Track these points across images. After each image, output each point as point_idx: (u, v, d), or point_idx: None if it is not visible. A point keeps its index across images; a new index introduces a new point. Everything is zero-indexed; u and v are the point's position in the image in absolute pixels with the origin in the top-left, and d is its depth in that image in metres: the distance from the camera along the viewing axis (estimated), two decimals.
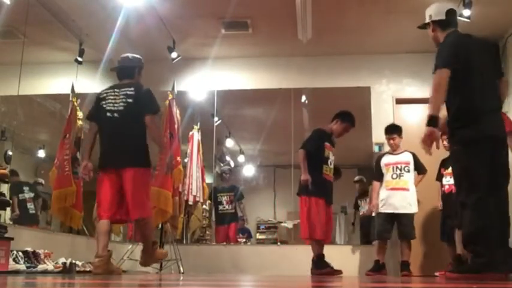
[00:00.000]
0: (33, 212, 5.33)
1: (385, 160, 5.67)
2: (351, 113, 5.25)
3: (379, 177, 5.66)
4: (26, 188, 5.30)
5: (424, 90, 6.68)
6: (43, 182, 5.60)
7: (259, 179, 9.06)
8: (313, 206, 4.85)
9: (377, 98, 6.79)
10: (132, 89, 4.08)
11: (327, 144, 5.06)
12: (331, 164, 5.05)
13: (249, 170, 9.05)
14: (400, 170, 5.55)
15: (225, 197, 7.36)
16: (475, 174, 3.20)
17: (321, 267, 4.84)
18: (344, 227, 8.18)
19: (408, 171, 5.55)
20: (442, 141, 5.49)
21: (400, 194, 5.48)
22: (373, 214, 5.71)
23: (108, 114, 4.02)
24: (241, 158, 8.80)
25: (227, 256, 6.48)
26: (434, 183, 5.70)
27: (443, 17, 3.50)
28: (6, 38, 4.92)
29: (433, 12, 3.57)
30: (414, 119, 6.82)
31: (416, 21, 6.11)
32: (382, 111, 6.71)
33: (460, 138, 3.28)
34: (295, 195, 5.15)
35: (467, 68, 3.25)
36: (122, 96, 4.06)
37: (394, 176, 5.54)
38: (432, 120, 3.22)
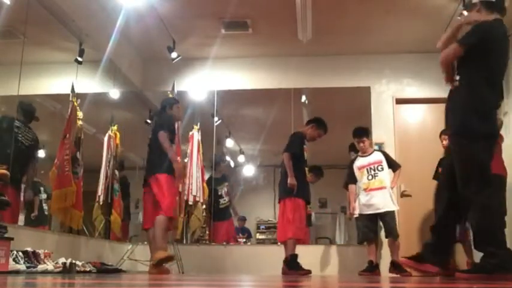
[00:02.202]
0: (48, 213, 5.33)
1: (357, 163, 5.73)
2: (325, 121, 5.57)
3: (354, 180, 5.73)
4: (42, 189, 5.31)
5: (424, 90, 6.69)
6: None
7: (259, 179, 9.04)
8: (297, 208, 5.11)
9: (377, 98, 6.79)
10: (156, 117, 5.19)
11: (305, 147, 5.35)
12: (307, 165, 5.42)
13: (249, 170, 9.05)
14: (374, 170, 5.62)
15: (224, 188, 7.14)
16: (487, 170, 3.17)
17: (296, 268, 4.95)
18: (344, 227, 8.17)
19: (382, 169, 5.62)
20: (442, 141, 5.54)
21: (379, 194, 5.53)
22: (354, 217, 5.72)
23: (148, 142, 5.04)
24: (241, 158, 8.78)
25: (227, 256, 6.48)
26: (432, 183, 5.69)
27: None
28: (6, 38, 4.91)
29: None
30: (414, 119, 6.83)
31: (416, 21, 6.16)
32: (382, 111, 6.71)
33: (474, 132, 3.21)
34: None
35: (496, 63, 3.28)
36: (153, 126, 5.18)
37: (370, 177, 5.61)
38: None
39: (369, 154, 5.72)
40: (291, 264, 4.94)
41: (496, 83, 3.29)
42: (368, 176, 5.61)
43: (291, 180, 5.07)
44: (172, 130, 5.04)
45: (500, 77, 3.34)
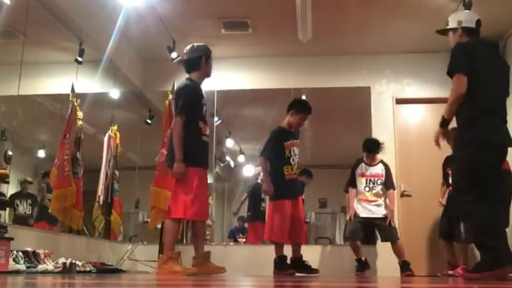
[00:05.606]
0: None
1: (360, 169, 5.68)
2: (303, 100, 5.13)
3: (354, 184, 5.68)
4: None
5: (424, 90, 6.69)
6: None
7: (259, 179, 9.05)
8: (277, 210, 4.87)
9: (377, 98, 6.79)
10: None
11: (287, 143, 4.96)
12: (293, 160, 4.95)
13: (249, 170, 9.04)
14: (373, 183, 5.58)
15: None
16: (488, 169, 3.34)
17: (282, 268, 4.87)
18: (344, 227, 8.17)
19: (380, 184, 5.58)
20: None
21: (372, 206, 5.53)
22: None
23: None
24: (241, 158, 8.79)
25: (227, 256, 6.47)
26: (436, 183, 5.69)
27: (473, 25, 3.61)
28: (6, 38, 4.92)
29: (464, 19, 3.66)
30: (414, 119, 6.83)
31: (416, 21, 6.16)
32: (382, 111, 6.71)
33: (470, 140, 3.39)
34: None
35: (478, 73, 3.40)
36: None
37: (367, 188, 5.58)
38: (444, 122, 3.48)
39: (374, 164, 5.65)
40: (277, 266, 4.94)
41: (477, 91, 3.37)
42: (365, 187, 5.58)
43: (265, 186, 4.89)
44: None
45: (482, 84, 3.40)
